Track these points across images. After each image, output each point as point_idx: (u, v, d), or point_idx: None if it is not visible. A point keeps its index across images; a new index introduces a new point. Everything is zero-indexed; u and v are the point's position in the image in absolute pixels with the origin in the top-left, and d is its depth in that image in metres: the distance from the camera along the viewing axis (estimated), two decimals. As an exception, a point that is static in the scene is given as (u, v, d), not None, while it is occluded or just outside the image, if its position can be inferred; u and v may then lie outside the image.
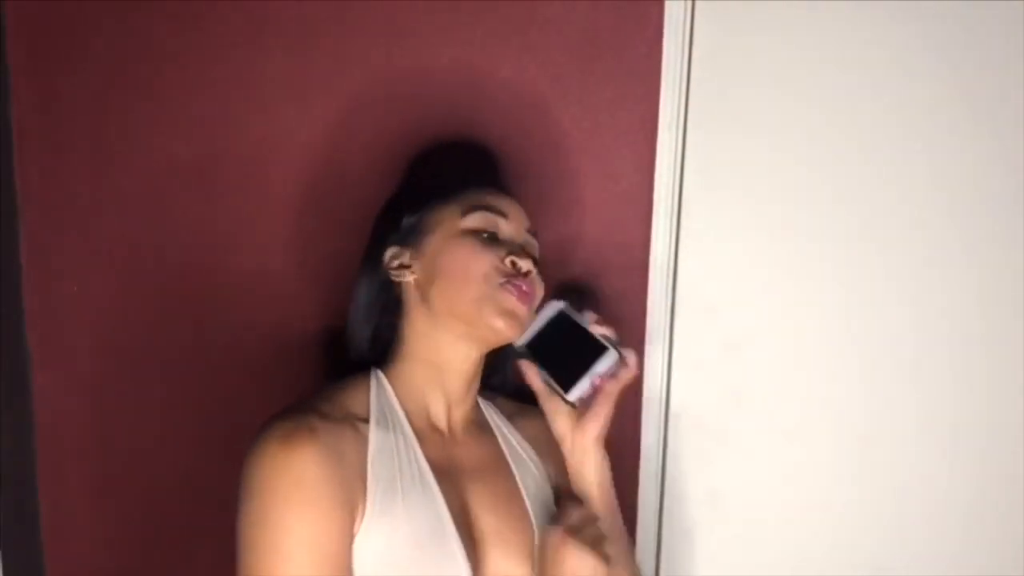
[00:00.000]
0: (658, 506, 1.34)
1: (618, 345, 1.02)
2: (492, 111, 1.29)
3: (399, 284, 1.08)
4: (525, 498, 1.07)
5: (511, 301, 1.02)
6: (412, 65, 1.30)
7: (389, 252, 1.07)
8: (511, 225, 1.05)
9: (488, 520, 1.03)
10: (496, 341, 1.06)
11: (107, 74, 1.38)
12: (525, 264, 1.03)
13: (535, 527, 1.05)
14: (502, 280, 1.01)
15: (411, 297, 1.07)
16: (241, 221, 1.38)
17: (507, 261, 1.02)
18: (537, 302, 1.05)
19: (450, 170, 1.10)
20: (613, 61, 1.25)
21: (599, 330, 1.03)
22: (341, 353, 1.11)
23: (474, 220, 1.03)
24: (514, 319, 1.02)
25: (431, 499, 0.98)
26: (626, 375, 1.04)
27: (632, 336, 1.30)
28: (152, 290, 1.42)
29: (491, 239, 1.03)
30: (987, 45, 1.16)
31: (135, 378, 1.45)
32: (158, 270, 1.42)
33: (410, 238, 1.06)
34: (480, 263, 1.01)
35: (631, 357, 1.03)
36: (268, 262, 1.36)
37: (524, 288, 1.02)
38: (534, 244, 1.08)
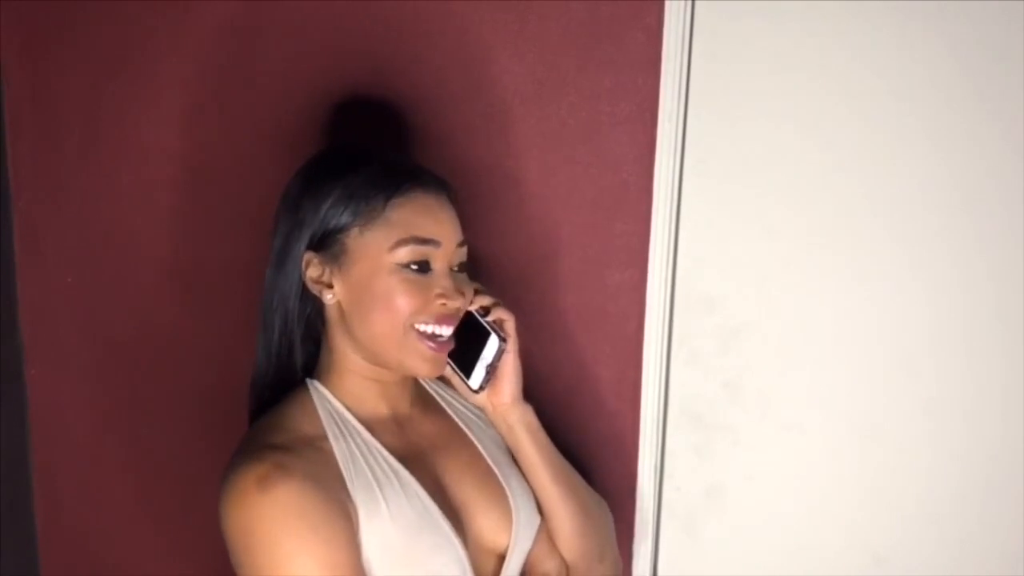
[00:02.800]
0: (656, 500, 1.34)
1: (496, 327, 1.07)
2: (489, 100, 1.28)
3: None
4: (487, 459, 1.11)
5: (429, 353, 1.02)
6: (408, 55, 1.29)
7: (305, 257, 1.02)
8: (443, 250, 1.02)
9: (463, 491, 1.06)
10: (414, 376, 1.09)
11: (99, 64, 1.37)
12: (455, 303, 1.02)
13: (505, 485, 1.09)
14: (425, 326, 1.01)
15: (332, 315, 1.05)
16: (236, 211, 1.37)
17: (437, 302, 1.01)
18: (456, 323, 1.05)
19: (377, 176, 1.01)
20: (613, 49, 1.24)
21: (490, 317, 1.08)
22: (283, 374, 1.07)
23: (403, 255, 0.99)
24: (432, 365, 1.03)
25: (410, 490, 1.00)
26: (511, 346, 1.09)
27: (629, 327, 1.29)
28: (146, 281, 1.42)
29: (421, 269, 1.01)
30: (988, 32, 1.15)
31: (129, 370, 1.45)
32: (152, 261, 1.41)
33: (330, 252, 1.01)
34: (408, 303, 1.00)
35: (509, 324, 1.09)
36: (265, 253, 1.35)
37: (443, 340, 1.03)
38: (463, 258, 1.06)
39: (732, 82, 1.24)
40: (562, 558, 1.12)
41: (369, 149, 1.07)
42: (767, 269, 1.26)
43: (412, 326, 1.01)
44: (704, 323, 1.29)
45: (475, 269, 1.08)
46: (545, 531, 1.13)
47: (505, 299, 1.13)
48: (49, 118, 1.40)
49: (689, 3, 1.22)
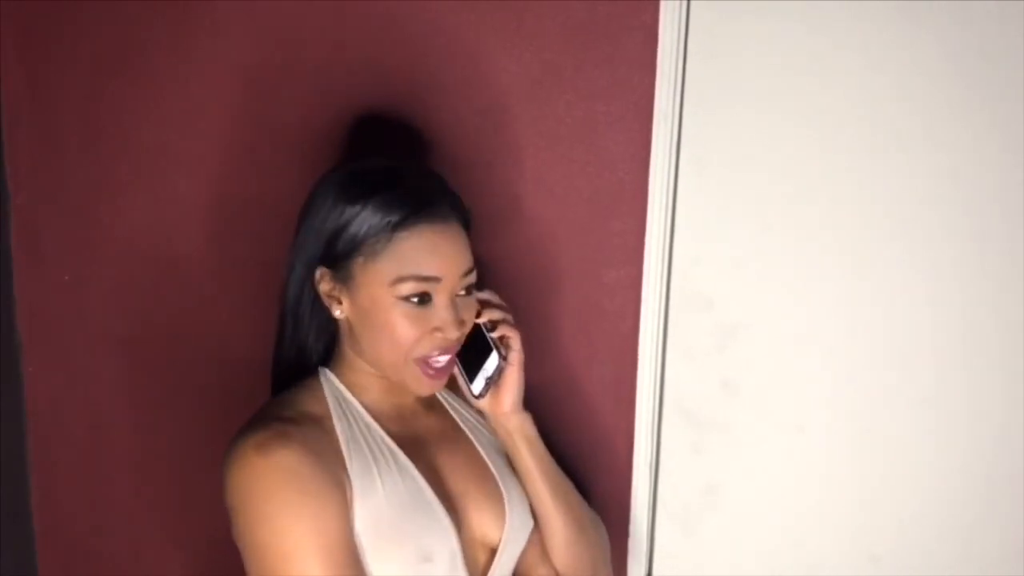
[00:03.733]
0: (651, 498, 1.34)
1: (498, 344, 1.11)
2: (485, 98, 1.28)
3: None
4: (486, 459, 1.14)
5: (426, 380, 1.06)
6: (404, 54, 1.29)
7: (319, 272, 1.06)
8: (444, 284, 1.04)
9: (459, 483, 1.09)
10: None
11: (99, 64, 1.38)
12: (452, 336, 1.05)
13: (500, 483, 1.12)
14: (424, 354, 1.05)
15: (341, 325, 1.09)
16: (235, 211, 1.38)
17: (436, 334, 1.04)
18: (455, 350, 1.08)
19: (386, 207, 1.02)
20: (609, 48, 1.24)
21: (495, 333, 1.11)
22: (298, 365, 1.12)
23: (404, 290, 1.02)
24: (430, 387, 1.08)
25: (406, 472, 1.04)
26: (514, 360, 1.12)
27: (625, 325, 1.29)
28: (144, 279, 1.42)
29: (422, 302, 1.03)
30: (986, 30, 1.15)
31: (127, 367, 1.45)
32: (150, 259, 1.41)
33: (340, 273, 1.05)
34: (407, 335, 1.03)
35: (514, 340, 1.12)
36: (262, 251, 1.35)
37: (441, 367, 1.06)
38: (470, 283, 1.07)
39: (727, 81, 1.24)
40: (554, 567, 1.14)
41: (391, 167, 1.07)
42: (763, 267, 1.26)
43: (412, 358, 1.05)
44: (700, 321, 1.29)
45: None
46: (538, 538, 1.14)
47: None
48: (48, 117, 1.41)
49: (685, 2, 1.22)
